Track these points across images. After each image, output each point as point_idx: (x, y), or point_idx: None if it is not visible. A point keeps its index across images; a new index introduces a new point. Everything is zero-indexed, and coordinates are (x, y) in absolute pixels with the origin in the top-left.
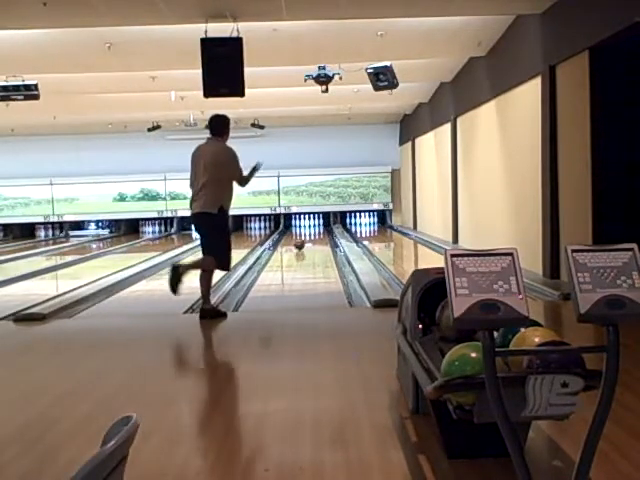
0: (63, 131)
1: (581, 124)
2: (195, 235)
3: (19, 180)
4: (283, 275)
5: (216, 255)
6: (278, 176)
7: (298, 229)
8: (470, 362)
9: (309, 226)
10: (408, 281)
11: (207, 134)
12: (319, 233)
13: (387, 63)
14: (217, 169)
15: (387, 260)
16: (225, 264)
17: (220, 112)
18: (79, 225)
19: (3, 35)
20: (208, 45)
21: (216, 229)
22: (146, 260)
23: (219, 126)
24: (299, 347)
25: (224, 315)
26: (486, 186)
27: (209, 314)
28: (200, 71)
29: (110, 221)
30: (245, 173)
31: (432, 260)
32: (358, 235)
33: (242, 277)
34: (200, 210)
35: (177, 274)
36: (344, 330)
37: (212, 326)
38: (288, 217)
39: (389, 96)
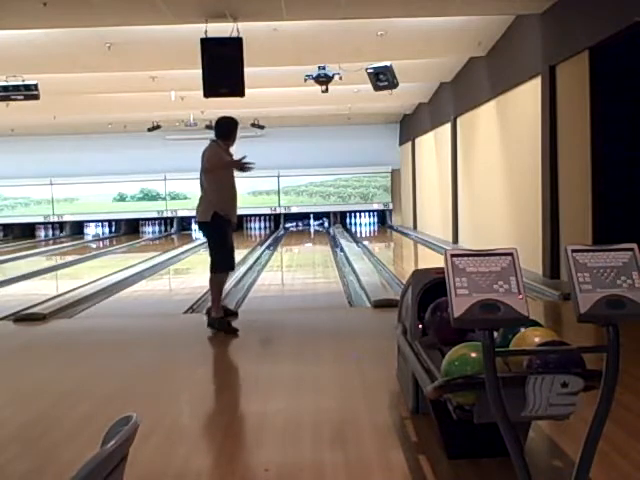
0: (63, 131)
1: (581, 124)
2: (195, 236)
3: (19, 180)
4: (283, 275)
5: (214, 260)
6: (278, 176)
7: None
8: (470, 362)
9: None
10: (408, 281)
11: (207, 134)
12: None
13: (387, 63)
14: (202, 174)
15: (387, 260)
16: (223, 266)
17: (219, 112)
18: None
19: (3, 35)
20: (208, 45)
21: (211, 237)
22: (146, 260)
23: (220, 129)
24: (299, 347)
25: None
26: (486, 186)
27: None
28: (200, 71)
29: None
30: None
31: (432, 260)
32: (358, 235)
33: (242, 277)
34: (197, 220)
35: (219, 320)
36: (344, 330)
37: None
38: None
39: (389, 96)
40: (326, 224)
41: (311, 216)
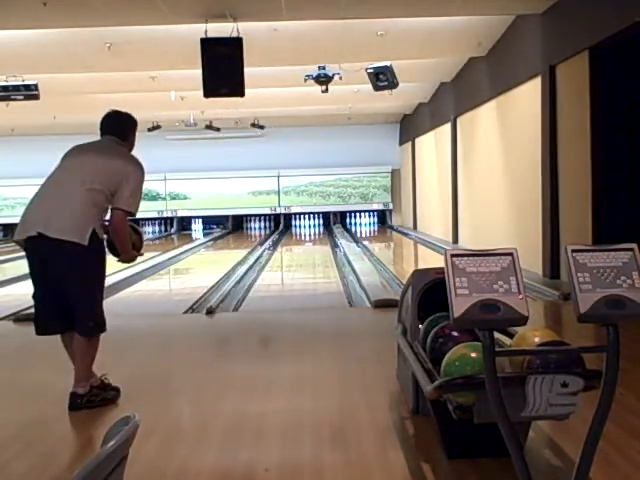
0: (63, 131)
1: (581, 124)
2: (195, 236)
3: (19, 180)
4: (283, 275)
5: None
6: (278, 176)
7: (298, 229)
8: (470, 362)
9: (309, 226)
10: (408, 281)
11: (207, 134)
12: (319, 233)
13: (387, 63)
14: None
15: (387, 260)
16: None
17: (219, 112)
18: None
19: (3, 35)
20: (208, 45)
21: None
22: (146, 260)
23: (116, 126)
24: (299, 347)
25: None
26: (486, 186)
27: None
28: (200, 71)
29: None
30: None
31: (432, 260)
32: (358, 235)
33: (242, 277)
34: None
35: None
36: (344, 330)
37: (212, 326)
38: (288, 217)
39: (389, 96)
40: (319, 229)
41: (311, 216)
